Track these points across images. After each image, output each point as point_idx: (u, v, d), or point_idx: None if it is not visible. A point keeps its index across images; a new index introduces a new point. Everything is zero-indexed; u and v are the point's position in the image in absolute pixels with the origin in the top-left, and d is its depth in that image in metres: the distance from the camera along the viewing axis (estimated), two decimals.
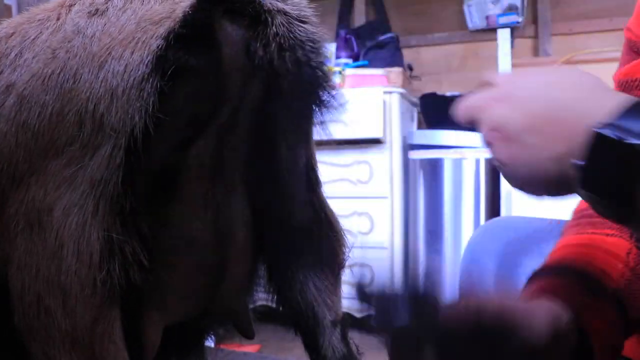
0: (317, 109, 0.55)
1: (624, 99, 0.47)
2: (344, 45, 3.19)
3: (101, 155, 0.43)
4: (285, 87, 0.48)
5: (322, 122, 0.59)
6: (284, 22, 0.47)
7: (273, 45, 0.46)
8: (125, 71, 0.39)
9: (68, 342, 0.52)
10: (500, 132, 0.55)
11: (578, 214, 0.78)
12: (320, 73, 0.52)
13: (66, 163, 0.45)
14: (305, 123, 0.55)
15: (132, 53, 0.40)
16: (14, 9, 2.65)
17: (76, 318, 0.50)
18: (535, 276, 0.67)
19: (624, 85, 0.67)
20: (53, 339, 0.53)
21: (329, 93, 0.55)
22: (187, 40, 0.40)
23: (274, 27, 0.46)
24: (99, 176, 0.43)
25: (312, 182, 0.60)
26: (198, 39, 0.41)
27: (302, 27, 0.48)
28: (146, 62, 0.39)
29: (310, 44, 0.50)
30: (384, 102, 2.66)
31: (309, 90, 0.49)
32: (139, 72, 0.39)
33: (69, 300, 0.49)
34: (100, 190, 0.44)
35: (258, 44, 0.45)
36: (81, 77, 0.42)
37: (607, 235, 0.71)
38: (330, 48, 3.15)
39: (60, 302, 0.50)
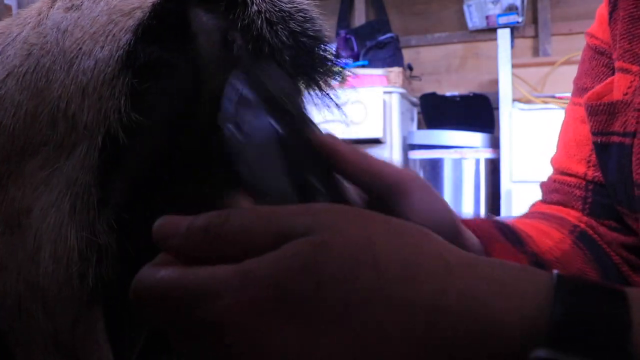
0: (320, 83, 0.52)
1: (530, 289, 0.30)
2: (344, 45, 3.19)
3: (76, 156, 0.43)
4: (284, 62, 0.46)
5: (326, 101, 0.54)
6: None
7: (259, 22, 0.43)
8: (95, 67, 0.38)
9: (51, 345, 0.52)
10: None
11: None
12: (320, 41, 0.49)
13: (42, 164, 0.44)
14: (304, 102, 0.53)
15: (102, 48, 0.39)
16: (14, 9, 2.65)
17: (57, 320, 0.49)
18: None
19: (592, 108, 0.63)
20: (36, 342, 0.52)
21: (332, 63, 0.52)
22: (158, 33, 0.39)
23: (254, 6, 0.43)
24: (75, 176, 0.43)
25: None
26: (170, 30, 0.39)
27: None
28: (116, 57, 0.38)
29: (302, 14, 0.47)
30: (384, 102, 2.65)
31: (311, 62, 0.46)
32: (109, 68, 0.38)
33: (49, 302, 0.49)
34: (76, 191, 0.43)
35: (237, 32, 0.43)
36: (53, 74, 0.41)
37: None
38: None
39: (41, 304, 0.49)
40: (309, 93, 0.54)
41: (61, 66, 0.40)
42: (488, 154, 2.75)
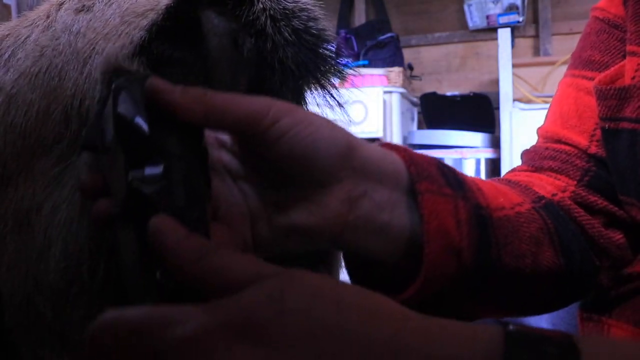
0: (323, 82, 0.51)
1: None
2: (344, 45, 3.19)
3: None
4: (287, 59, 0.46)
5: (328, 100, 0.53)
6: None
7: (263, 18, 0.44)
8: None
9: (58, 342, 0.52)
10: None
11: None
12: (323, 40, 0.49)
13: (55, 161, 0.45)
14: (306, 99, 0.53)
15: (115, 45, 0.39)
16: (14, 9, 2.65)
17: (65, 317, 0.50)
18: None
19: (602, 92, 0.60)
20: (43, 339, 0.52)
21: (335, 60, 0.51)
22: (171, 33, 0.39)
23: (259, 4, 0.44)
24: (85, 172, 0.43)
25: None
26: (183, 31, 0.40)
27: None
28: (129, 52, 0.39)
29: (306, 14, 0.48)
30: (384, 102, 2.65)
31: (314, 59, 0.46)
32: (123, 63, 0.39)
33: (58, 299, 0.49)
34: None
35: (247, 35, 0.44)
36: (67, 74, 0.42)
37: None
38: None
39: (50, 301, 0.50)
40: (311, 92, 0.54)
41: (74, 66, 0.41)
42: (488, 153, 2.76)
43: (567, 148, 0.65)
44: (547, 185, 0.63)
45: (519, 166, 0.70)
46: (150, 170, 0.36)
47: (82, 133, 0.42)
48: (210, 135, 0.44)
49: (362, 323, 0.31)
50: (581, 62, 0.68)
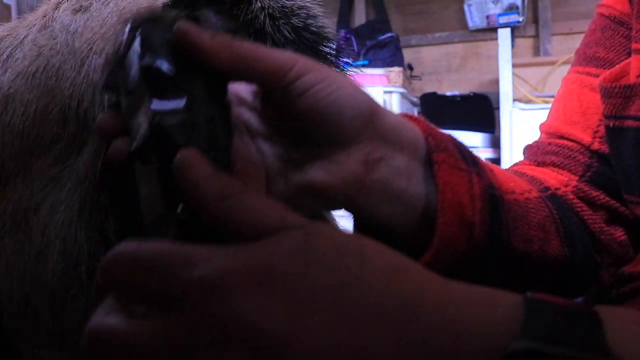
0: None
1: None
2: (344, 44, 3.19)
3: (87, 153, 0.43)
4: None
5: None
6: None
7: (262, 17, 0.44)
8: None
9: (56, 342, 0.52)
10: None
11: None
12: (323, 38, 0.48)
13: (52, 162, 0.45)
14: None
15: (113, 47, 0.39)
16: (13, 9, 2.65)
17: (63, 318, 0.50)
18: None
19: (607, 90, 0.60)
20: (41, 340, 0.52)
21: (335, 59, 0.50)
22: None
23: (258, 2, 0.44)
24: (85, 174, 0.43)
25: None
26: None
27: None
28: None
29: (305, 11, 0.47)
30: (384, 102, 2.65)
31: (314, 58, 0.45)
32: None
33: (56, 299, 0.49)
34: (86, 189, 0.44)
35: (245, 34, 0.43)
36: (64, 73, 0.41)
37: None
38: None
39: (47, 302, 0.50)
40: None
41: (72, 66, 0.41)
42: (488, 153, 2.76)
43: (570, 144, 0.65)
44: (550, 179, 0.62)
45: (522, 161, 0.70)
46: (173, 104, 0.36)
47: (82, 135, 0.42)
48: (230, 92, 0.43)
49: (386, 280, 0.31)
50: (586, 59, 0.68)
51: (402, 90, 2.75)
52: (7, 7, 2.65)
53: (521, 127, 2.59)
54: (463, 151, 0.50)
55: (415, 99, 3.07)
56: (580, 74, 0.68)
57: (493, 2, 3.07)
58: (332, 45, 0.51)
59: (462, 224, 0.46)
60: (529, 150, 0.70)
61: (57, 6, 0.50)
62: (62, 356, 0.51)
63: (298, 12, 0.47)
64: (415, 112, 3.13)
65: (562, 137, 0.66)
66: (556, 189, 0.61)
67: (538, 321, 0.30)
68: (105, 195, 0.42)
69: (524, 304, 0.31)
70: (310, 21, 0.48)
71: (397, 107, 2.69)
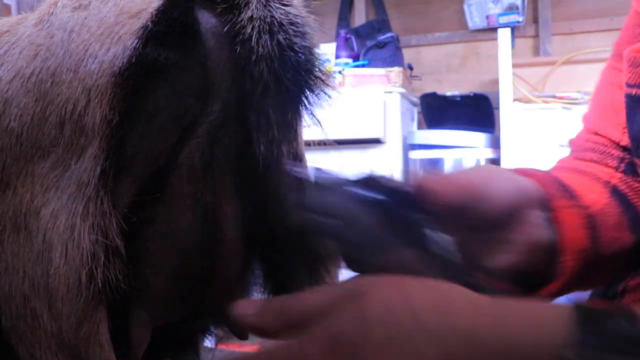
0: (304, 100, 0.50)
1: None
2: (344, 45, 3.18)
3: (86, 158, 0.43)
4: (266, 74, 0.46)
5: (312, 116, 0.52)
6: (260, 5, 0.44)
7: (249, 29, 0.44)
8: (100, 69, 0.38)
9: (54, 344, 0.52)
10: None
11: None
12: (306, 58, 0.48)
13: (52, 166, 0.45)
14: (290, 116, 0.52)
15: (108, 50, 0.39)
16: (14, 8, 2.65)
17: (62, 320, 0.50)
18: None
19: (635, 60, 0.62)
20: (39, 341, 0.52)
21: (316, 81, 0.50)
22: (165, 35, 0.39)
23: (249, 11, 0.43)
24: (86, 178, 0.43)
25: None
26: (177, 32, 0.39)
27: (282, 9, 0.45)
28: (121, 60, 0.38)
29: (293, 28, 0.47)
30: (384, 102, 2.65)
31: (293, 77, 0.46)
32: (114, 70, 0.38)
33: (55, 302, 0.49)
34: (88, 193, 0.43)
35: (239, 36, 0.43)
36: (60, 77, 0.41)
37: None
38: (330, 48, 3.15)
39: (46, 304, 0.49)
40: (299, 107, 0.52)
41: (67, 68, 0.40)
42: (489, 153, 2.75)
43: (603, 140, 0.70)
44: (598, 172, 0.67)
45: (568, 157, 0.76)
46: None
47: (80, 139, 0.42)
48: None
49: (435, 324, 0.35)
50: (617, 54, 0.71)
51: (402, 90, 2.75)
52: (8, 7, 2.65)
53: (521, 127, 2.59)
54: (563, 187, 0.60)
55: (415, 99, 3.07)
56: (613, 69, 0.72)
57: (493, 2, 3.07)
58: (318, 65, 0.50)
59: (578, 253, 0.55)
60: (572, 144, 0.76)
61: (57, 2, 0.49)
62: (60, 358, 0.51)
63: (286, 27, 0.47)
64: (415, 112, 3.13)
65: (596, 133, 0.72)
66: (606, 182, 0.66)
67: (587, 329, 0.33)
68: (107, 199, 0.42)
69: (571, 314, 0.34)
70: (296, 40, 0.48)
71: (397, 107, 2.69)
